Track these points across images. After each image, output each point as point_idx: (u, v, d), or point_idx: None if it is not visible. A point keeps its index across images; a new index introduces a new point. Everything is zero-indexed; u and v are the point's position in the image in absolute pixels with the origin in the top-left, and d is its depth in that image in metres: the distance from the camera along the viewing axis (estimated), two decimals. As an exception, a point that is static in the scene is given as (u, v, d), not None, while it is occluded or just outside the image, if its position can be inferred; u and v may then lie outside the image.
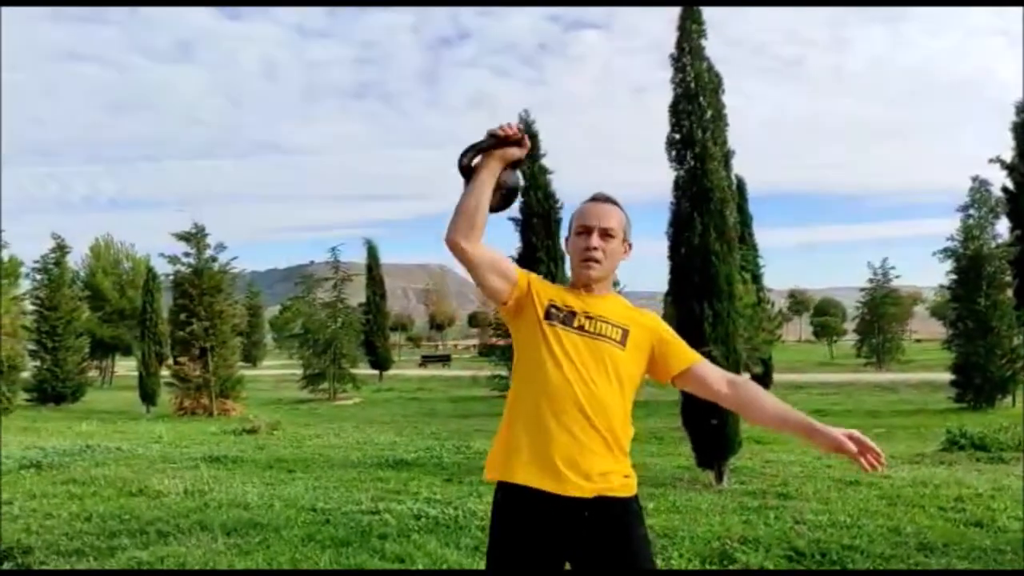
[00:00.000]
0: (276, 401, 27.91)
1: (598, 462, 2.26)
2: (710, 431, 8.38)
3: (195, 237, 22.47)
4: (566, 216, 12.95)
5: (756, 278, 24.84)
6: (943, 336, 25.61)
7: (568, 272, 2.64)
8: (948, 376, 21.74)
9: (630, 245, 2.49)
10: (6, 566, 5.33)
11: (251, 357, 58.61)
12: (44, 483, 8.45)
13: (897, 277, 44.43)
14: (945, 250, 22.55)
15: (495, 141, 2.36)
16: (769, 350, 23.03)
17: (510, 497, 2.31)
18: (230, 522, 6.34)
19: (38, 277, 27.65)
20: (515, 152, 2.40)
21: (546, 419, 2.25)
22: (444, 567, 5.09)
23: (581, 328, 2.32)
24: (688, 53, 9.01)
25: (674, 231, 8.92)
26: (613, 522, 2.26)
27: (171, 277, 23.35)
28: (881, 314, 43.06)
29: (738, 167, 9.59)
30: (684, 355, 2.49)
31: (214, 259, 22.88)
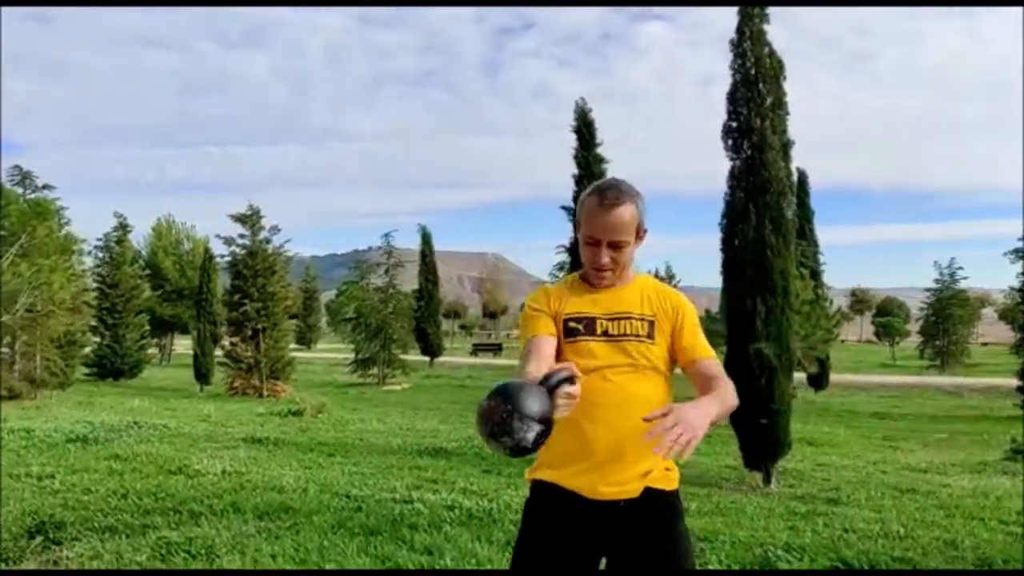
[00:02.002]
0: (327, 384, 28.17)
1: (639, 462, 2.16)
2: (759, 431, 8.09)
3: (250, 219, 22.71)
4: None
5: (815, 275, 24.20)
6: (1012, 340, 24.63)
7: None
8: (1015, 382, 20.90)
9: (645, 231, 2.29)
10: (38, 540, 5.33)
11: (306, 340, 59.51)
12: (88, 458, 8.54)
13: (965, 278, 43.17)
14: (1016, 251, 21.71)
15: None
16: (826, 349, 22.38)
17: (543, 494, 2.25)
18: (263, 505, 6.29)
19: (100, 255, 28.36)
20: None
21: (582, 424, 2.14)
22: (473, 561, 4.94)
23: (605, 333, 2.22)
24: (749, 38, 8.67)
25: (728, 223, 8.62)
26: (652, 517, 2.18)
27: (226, 258, 23.66)
28: (947, 316, 41.80)
29: (803, 161, 9.33)
30: (692, 349, 2.28)
31: (268, 241, 23.11)
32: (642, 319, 2.24)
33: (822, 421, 16.35)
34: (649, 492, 2.18)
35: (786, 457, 8.54)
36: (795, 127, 8.75)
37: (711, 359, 2.29)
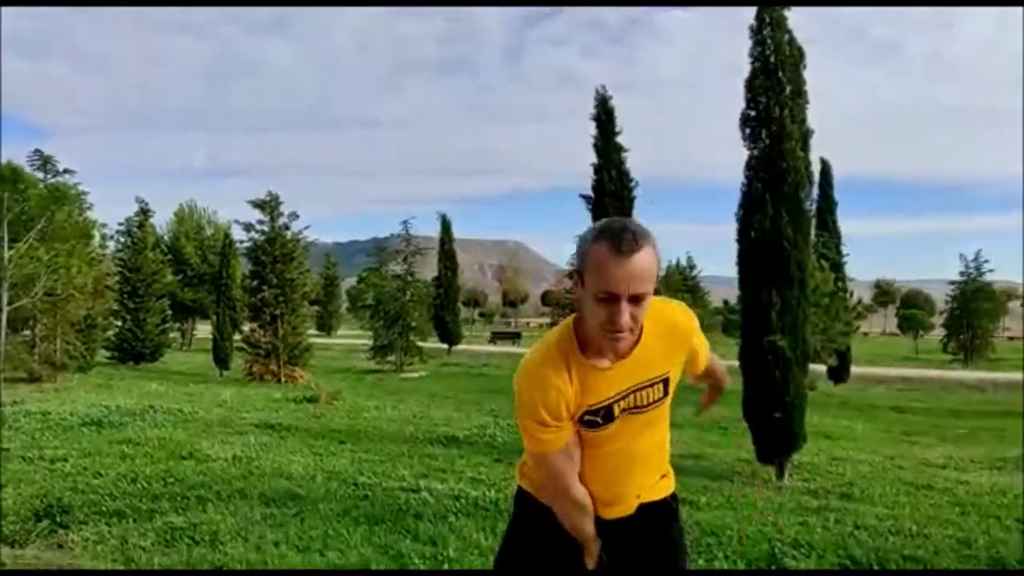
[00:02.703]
0: (345, 370, 28.23)
1: (639, 490, 2.16)
2: (773, 424, 7.98)
3: (269, 205, 22.75)
4: (641, 195, 12.13)
5: (837, 266, 23.87)
6: (1037, 335, 24.22)
7: None
8: (1040, 377, 20.58)
9: (660, 277, 2.05)
10: (44, 523, 5.35)
11: (326, 326, 59.69)
12: (101, 441, 8.60)
13: (991, 271, 42.40)
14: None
15: None
16: (846, 342, 22.07)
17: (537, 503, 2.19)
18: (269, 492, 6.30)
19: (122, 239, 28.54)
20: None
21: (585, 482, 2.10)
22: (476, 552, 4.90)
23: (624, 411, 2.03)
24: (769, 24, 8.49)
25: (744, 213, 8.48)
26: (647, 522, 2.17)
27: (246, 244, 23.74)
28: (972, 309, 41.19)
29: (828, 151, 9.13)
30: (699, 366, 2.28)
31: (287, 227, 23.17)
32: (658, 380, 2.04)
33: (840, 414, 16.14)
34: (644, 504, 2.16)
35: (801, 451, 8.42)
36: (821, 117, 8.59)
37: (709, 359, 2.30)
